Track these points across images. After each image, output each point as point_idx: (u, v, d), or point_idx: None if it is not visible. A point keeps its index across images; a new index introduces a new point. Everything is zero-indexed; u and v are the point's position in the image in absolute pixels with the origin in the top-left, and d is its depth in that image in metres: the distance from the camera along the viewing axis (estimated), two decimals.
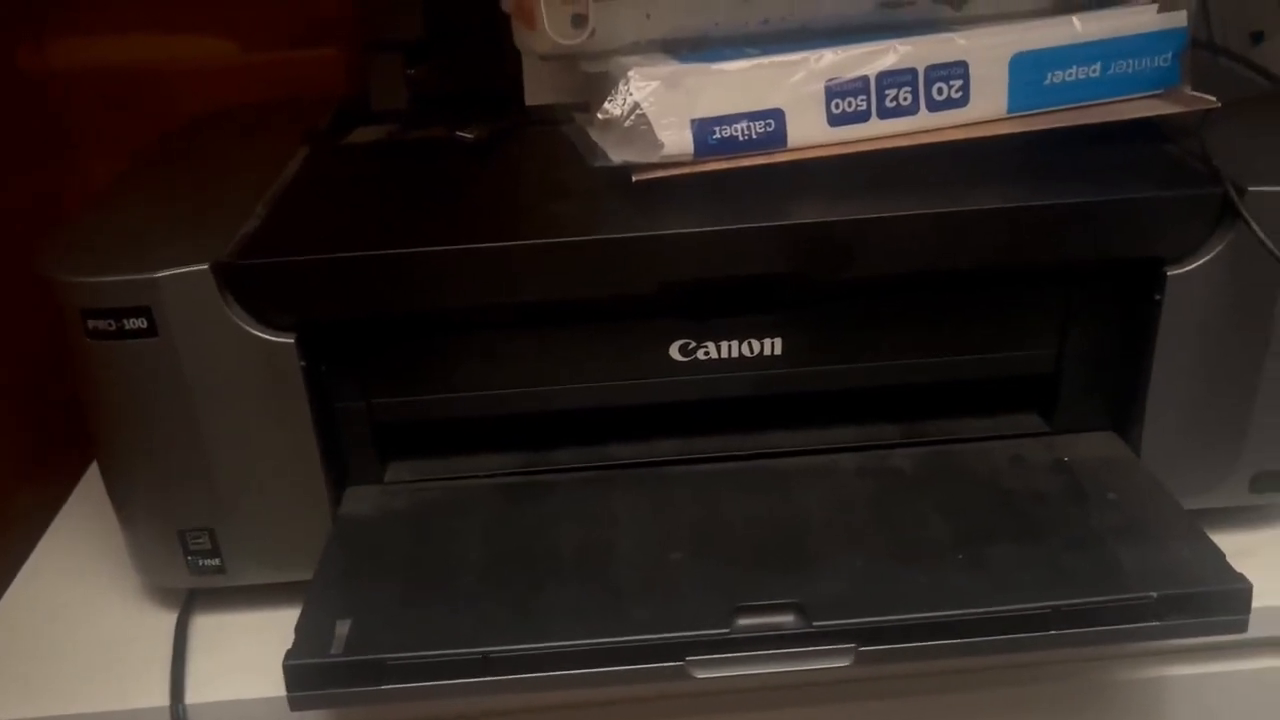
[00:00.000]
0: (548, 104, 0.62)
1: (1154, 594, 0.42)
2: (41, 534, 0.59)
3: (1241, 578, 0.42)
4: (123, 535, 0.51)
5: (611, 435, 0.53)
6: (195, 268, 0.44)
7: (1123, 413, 0.51)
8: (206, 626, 0.52)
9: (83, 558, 0.57)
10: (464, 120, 0.60)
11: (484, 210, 0.49)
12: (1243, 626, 0.42)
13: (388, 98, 0.66)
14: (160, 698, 0.48)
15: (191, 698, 0.48)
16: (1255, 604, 0.48)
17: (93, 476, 0.62)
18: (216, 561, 0.50)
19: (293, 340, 0.45)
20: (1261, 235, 0.44)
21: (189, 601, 0.52)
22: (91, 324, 0.45)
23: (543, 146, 0.56)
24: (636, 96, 0.47)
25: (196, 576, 0.50)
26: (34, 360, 0.66)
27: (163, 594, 0.53)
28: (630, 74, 0.47)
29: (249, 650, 0.50)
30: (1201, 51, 0.65)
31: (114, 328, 0.44)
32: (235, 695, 0.48)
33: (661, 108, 0.47)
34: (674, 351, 0.49)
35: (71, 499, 0.62)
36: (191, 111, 0.68)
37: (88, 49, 0.74)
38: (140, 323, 0.44)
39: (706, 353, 0.49)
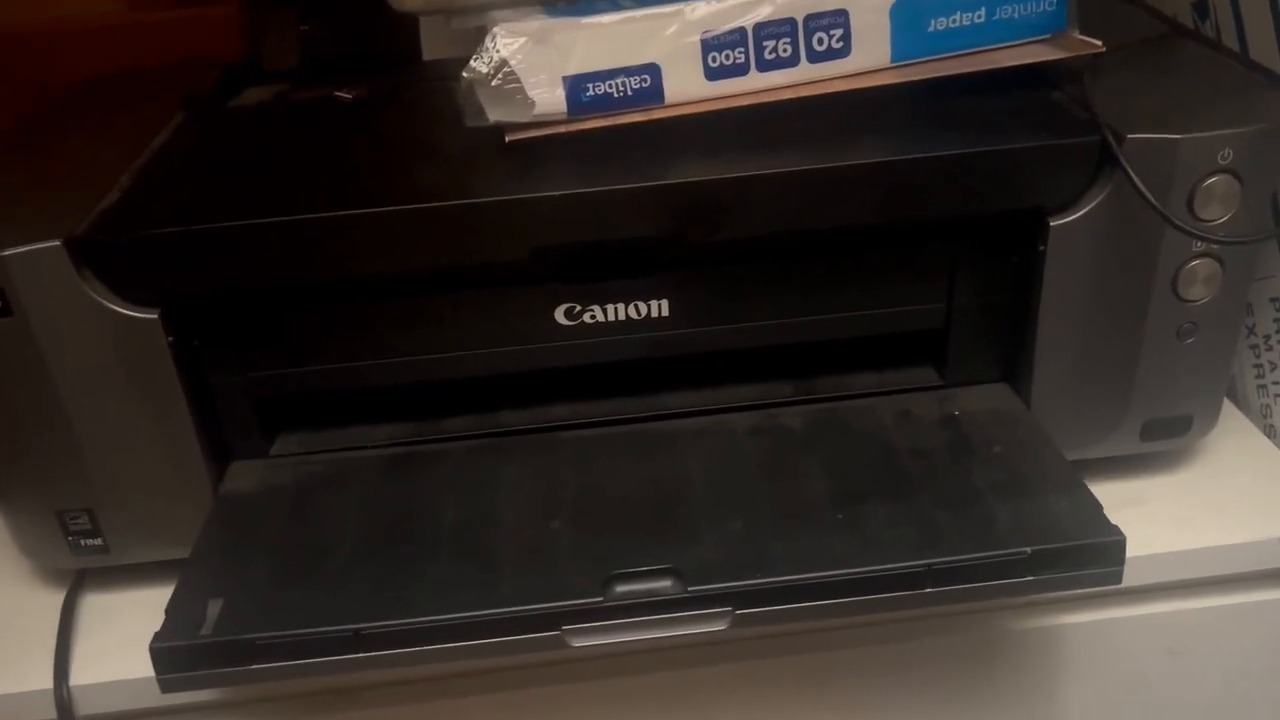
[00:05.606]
0: (445, 59, 0.60)
1: (1028, 549, 0.41)
2: None
3: (1116, 530, 0.42)
4: (3, 518, 0.50)
5: (502, 402, 0.52)
6: (46, 245, 0.43)
7: (1013, 364, 0.50)
8: (97, 606, 0.51)
9: None
10: (351, 79, 0.58)
11: (349, 176, 0.48)
12: (1117, 579, 0.42)
13: (280, 57, 0.64)
14: (45, 680, 0.47)
15: (78, 678, 0.47)
16: (1144, 551, 0.48)
17: None
18: (98, 541, 0.49)
19: (156, 316, 0.44)
20: (1138, 183, 0.43)
21: (78, 582, 0.52)
22: None
23: (426, 106, 0.54)
24: (504, 53, 0.45)
25: (79, 557, 0.49)
26: None
27: (53, 575, 0.52)
28: (495, 30, 0.45)
29: (139, 628, 0.48)
30: None
31: None
32: (121, 675, 0.47)
33: (531, 65, 0.45)
34: (559, 316, 0.48)
35: None
36: (81, 76, 0.65)
37: None
38: None
39: (593, 316, 0.48)
